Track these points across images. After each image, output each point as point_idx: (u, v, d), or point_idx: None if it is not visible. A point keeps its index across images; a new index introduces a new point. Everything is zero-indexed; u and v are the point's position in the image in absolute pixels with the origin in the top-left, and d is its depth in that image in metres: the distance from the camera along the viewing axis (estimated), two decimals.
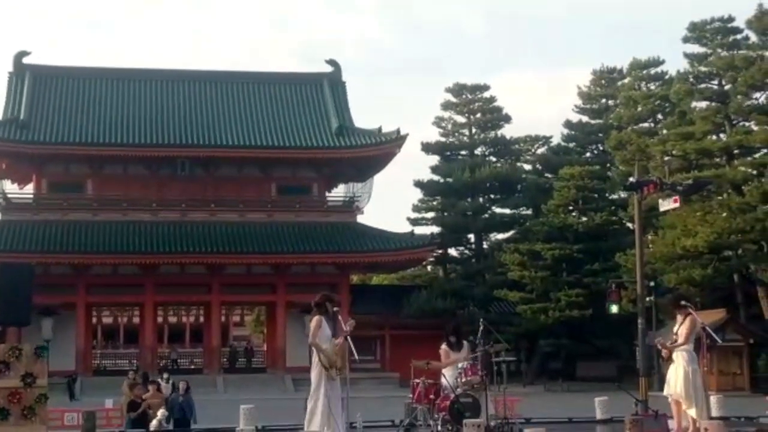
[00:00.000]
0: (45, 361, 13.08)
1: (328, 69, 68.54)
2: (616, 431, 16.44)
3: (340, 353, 14.64)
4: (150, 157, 60.28)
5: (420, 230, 66.17)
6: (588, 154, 72.71)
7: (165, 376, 29.71)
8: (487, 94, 71.53)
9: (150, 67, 68.90)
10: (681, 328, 15.25)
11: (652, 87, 66.75)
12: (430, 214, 71.04)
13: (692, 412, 14.85)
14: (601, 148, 71.27)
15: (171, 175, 60.89)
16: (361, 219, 63.62)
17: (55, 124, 60.75)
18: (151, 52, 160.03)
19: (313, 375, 14.45)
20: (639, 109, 65.29)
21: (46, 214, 59.14)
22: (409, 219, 70.63)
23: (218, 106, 64.52)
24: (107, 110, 62.60)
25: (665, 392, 15.39)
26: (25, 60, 64.62)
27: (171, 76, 66.71)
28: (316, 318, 14.57)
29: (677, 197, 28.46)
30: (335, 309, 15.47)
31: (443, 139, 72.62)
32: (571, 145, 73.38)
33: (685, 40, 57.87)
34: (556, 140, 74.98)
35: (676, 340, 15.31)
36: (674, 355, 15.16)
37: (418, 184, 70.56)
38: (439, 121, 72.71)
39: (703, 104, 57.44)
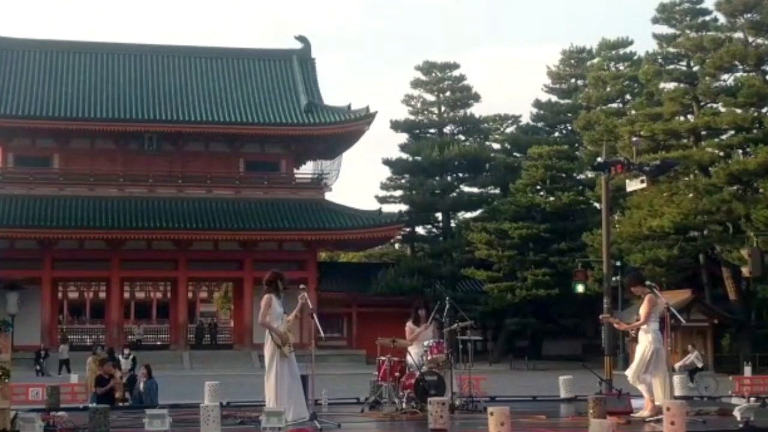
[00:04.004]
0: (8, 336, 12.98)
1: (298, 45, 68.31)
2: (579, 410, 16.51)
3: (294, 329, 14.64)
4: (117, 131, 59.98)
5: (388, 208, 66.32)
6: (556, 134, 72.89)
7: (126, 352, 29.54)
8: (456, 73, 71.71)
9: (118, 41, 68.54)
10: (641, 308, 15.36)
11: (621, 67, 66.95)
12: (398, 192, 71.13)
13: (644, 392, 14.98)
14: (569, 127, 71.44)
15: (138, 150, 60.62)
16: (329, 196, 63.66)
17: (22, 98, 60.23)
18: (119, 26, 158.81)
19: (266, 353, 14.43)
20: (608, 89, 65.47)
21: (12, 188, 58.71)
22: (377, 197, 70.73)
23: (187, 82, 64.20)
24: (74, 84, 62.16)
25: (627, 372, 15.49)
26: None
27: (139, 50, 66.30)
28: (266, 297, 14.52)
29: (644, 178, 28.55)
30: (302, 287, 15.43)
31: (412, 117, 72.68)
32: (540, 124, 73.55)
33: (655, 20, 58.01)
34: (525, 119, 75.30)
35: (638, 319, 15.43)
36: (639, 336, 15.25)
37: (387, 162, 70.57)
38: (408, 99, 72.74)
39: (672, 85, 57.64)
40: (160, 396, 23.48)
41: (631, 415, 14.94)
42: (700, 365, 37.94)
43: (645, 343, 14.99)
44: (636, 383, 15.08)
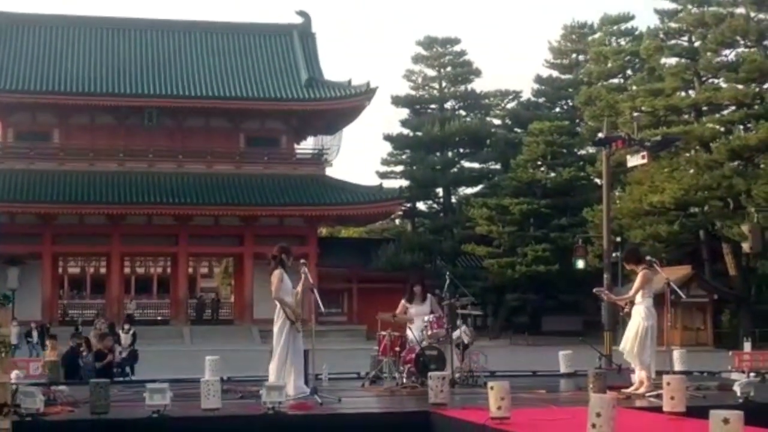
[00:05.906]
0: (8, 310, 12.96)
1: (298, 20, 68.07)
2: (579, 384, 16.52)
3: (304, 304, 14.58)
4: (117, 106, 59.86)
5: (389, 184, 66.32)
6: (557, 110, 72.89)
7: (126, 326, 29.56)
8: (457, 48, 71.47)
9: (118, 16, 68.20)
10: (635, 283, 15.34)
11: (623, 42, 66.88)
12: (399, 168, 71.02)
13: (637, 369, 14.98)
14: (570, 103, 71.42)
15: (138, 125, 60.45)
16: (329, 172, 63.64)
17: (22, 72, 60.04)
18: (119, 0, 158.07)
19: (276, 328, 14.38)
20: (609, 64, 65.42)
21: (12, 163, 58.67)
22: (377, 172, 70.71)
23: (187, 56, 63.99)
24: (74, 59, 61.97)
25: (620, 347, 15.48)
26: None
27: (139, 25, 66.05)
28: (276, 272, 14.42)
29: (645, 153, 28.58)
30: (302, 262, 15.40)
31: (413, 93, 72.58)
32: (541, 100, 73.51)
33: None
34: (526, 95, 75.22)
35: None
36: (633, 311, 15.23)
37: (388, 137, 70.52)
38: (409, 75, 72.60)
39: (673, 61, 57.61)
40: (159, 371, 23.49)
41: (628, 390, 14.95)
42: (467, 341, 37.08)
43: (638, 319, 14.97)
44: (633, 361, 15.06)
